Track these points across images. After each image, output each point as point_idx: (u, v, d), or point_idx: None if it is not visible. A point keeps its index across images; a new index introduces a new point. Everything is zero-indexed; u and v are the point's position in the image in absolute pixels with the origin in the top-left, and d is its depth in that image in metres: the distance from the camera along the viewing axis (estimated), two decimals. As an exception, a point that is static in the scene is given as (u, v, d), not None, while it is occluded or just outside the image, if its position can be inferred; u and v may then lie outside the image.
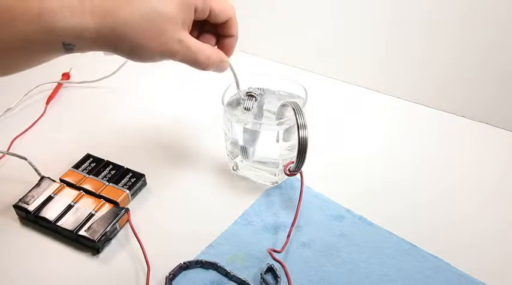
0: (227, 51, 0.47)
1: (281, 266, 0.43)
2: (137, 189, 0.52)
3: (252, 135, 0.49)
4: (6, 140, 0.59)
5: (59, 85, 0.70)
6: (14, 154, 0.52)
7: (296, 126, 0.43)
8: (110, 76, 0.70)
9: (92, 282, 0.43)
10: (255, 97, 0.49)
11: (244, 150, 0.50)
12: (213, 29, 0.46)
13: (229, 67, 0.46)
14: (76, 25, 0.36)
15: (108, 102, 0.67)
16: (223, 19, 0.44)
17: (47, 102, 0.66)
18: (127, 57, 0.41)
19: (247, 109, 0.49)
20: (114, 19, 0.37)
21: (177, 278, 0.43)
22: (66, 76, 0.71)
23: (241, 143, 0.50)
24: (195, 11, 0.41)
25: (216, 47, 0.46)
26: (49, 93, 0.68)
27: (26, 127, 0.61)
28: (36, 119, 0.63)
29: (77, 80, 0.71)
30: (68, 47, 0.37)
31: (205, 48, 0.43)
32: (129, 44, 0.38)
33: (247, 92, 0.49)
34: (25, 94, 0.67)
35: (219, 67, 0.44)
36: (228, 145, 0.53)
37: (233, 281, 0.43)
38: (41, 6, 0.35)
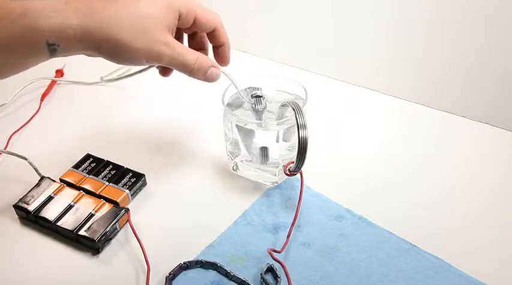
0: (223, 61, 0.47)
1: (281, 266, 0.43)
2: (137, 189, 0.52)
3: (251, 135, 0.49)
4: (2, 136, 0.59)
5: (53, 82, 0.70)
6: (14, 154, 0.52)
7: (296, 126, 0.43)
8: (108, 77, 0.70)
9: (92, 282, 0.43)
10: (262, 96, 0.49)
11: (264, 152, 0.50)
12: (203, 45, 0.47)
13: (223, 74, 0.46)
14: (59, 23, 0.36)
15: (106, 100, 0.67)
16: (209, 28, 0.45)
17: (41, 99, 0.66)
18: (112, 58, 0.40)
19: (258, 110, 0.49)
20: (100, 16, 0.37)
21: (177, 278, 0.43)
22: (59, 73, 0.71)
23: (254, 145, 0.50)
24: (179, 17, 0.42)
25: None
26: (43, 89, 0.68)
27: (22, 124, 0.62)
28: (31, 116, 0.63)
29: (71, 78, 0.71)
30: (52, 47, 0.37)
31: (193, 52, 0.43)
32: (113, 41, 0.38)
33: (252, 94, 0.49)
34: (19, 90, 0.67)
35: (210, 74, 0.44)
36: (228, 145, 0.53)
37: (233, 281, 0.43)
38: (24, 6, 0.35)
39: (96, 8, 0.38)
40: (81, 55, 0.41)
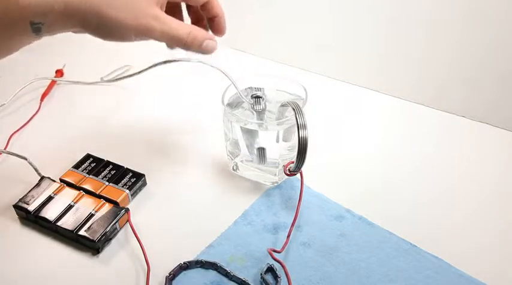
0: (219, 31, 0.47)
1: (281, 266, 0.43)
2: (137, 189, 0.52)
3: (254, 135, 0.49)
4: (2, 136, 0.59)
5: (53, 82, 0.70)
6: (14, 154, 0.52)
7: (296, 126, 0.43)
8: (108, 78, 0.70)
9: (92, 282, 0.43)
10: (262, 97, 0.49)
11: (261, 152, 0.50)
12: (201, 16, 0.46)
13: (223, 74, 0.46)
14: (42, 0, 0.35)
15: (106, 100, 0.67)
16: (201, 1, 0.44)
17: (41, 99, 0.66)
18: (98, 34, 0.39)
19: (258, 111, 0.49)
20: None
21: (177, 278, 0.43)
22: (59, 73, 0.71)
23: (257, 145, 0.50)
24: None
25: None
26: (43, 89, 0.68)
27: (22, 124, 0.62)
28: (31, 116, 0.63)
29: (71, 78, 0.71)
30: (36, 26, 0.36)
31: (184, 25, 0.42)
32: (99, 16, 0.37)
33: (252, 94, 0.49)
34: (19, 90, 0.67)
35: (206, 46, 0.43)
36: (228, 145, 0.53)
37: (233, 281, 0.43)
38: None
39: None
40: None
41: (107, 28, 0.38)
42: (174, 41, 0.41)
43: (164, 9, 0.41)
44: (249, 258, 0.45)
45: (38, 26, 0.36)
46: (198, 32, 0.42)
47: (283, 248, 0.45)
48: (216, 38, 0.46)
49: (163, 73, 0.68)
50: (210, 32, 0.47)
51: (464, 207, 0.50)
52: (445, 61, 0.71)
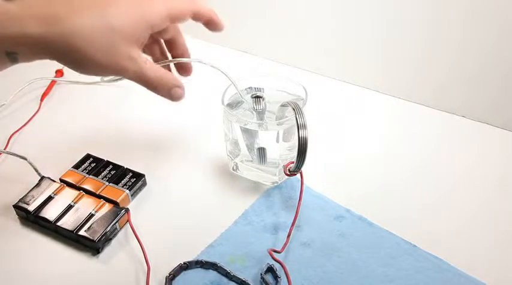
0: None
1: (281, 266, 0.43)
2: (137, 189, 0.52)
3: (254, 135, 0.49)
4: (2, 136, 0.59)
5: (53, 82, 0.70)
6: (14, 154, 0.52)
7: (296, 126, 0.43)
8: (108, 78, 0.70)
9: (92, 282, 0.43)
10: (262, 97, 0.49)
11: (261, 152, 0.50)
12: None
13: (223, 74, 0.46)
14: (16, 32, 0.35)
15: (106, 100, 0.67)
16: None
17: (41, 99, 0.66)
18: (74, 68, 0.39)
19: (258, 111, 0.49)
20: (61, 27, 0.36)
21: (177, 278, 0.43)
22: (59, 73, 0.71)
23: (257, 145, 0.50)
24: (151, 29, 0.40)
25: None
26: (43, 89, 0.68)
27: (22, 124, 0.61)
28: (31, 116, 0.63)
29: (70, 77, 0.71)
30: (13, 56, 0.37)
31: (157, 68, 0.42)
32: (75, 54, 0.37)
33: (253, 95, 0.49)
34: (19, 90, 0.67)
35: (174, 93, 0.43)
36: (228, 145, 0.53)
37: (233, 281, 0.43)
38: None
39: (58, 15, 0.36)
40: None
41: (82, 66, 0.38)
42: (143, 83, 0.41)
43: (143, 46, 0.41)
44: (249, 258, 0.45)
45: (14, 56, 0.37)
46: (169, 78, 0.42)
47: (283, 248, 0.45)
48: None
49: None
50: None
51: (465, 207, 0.50)
52: (445, 61, 0.70)
